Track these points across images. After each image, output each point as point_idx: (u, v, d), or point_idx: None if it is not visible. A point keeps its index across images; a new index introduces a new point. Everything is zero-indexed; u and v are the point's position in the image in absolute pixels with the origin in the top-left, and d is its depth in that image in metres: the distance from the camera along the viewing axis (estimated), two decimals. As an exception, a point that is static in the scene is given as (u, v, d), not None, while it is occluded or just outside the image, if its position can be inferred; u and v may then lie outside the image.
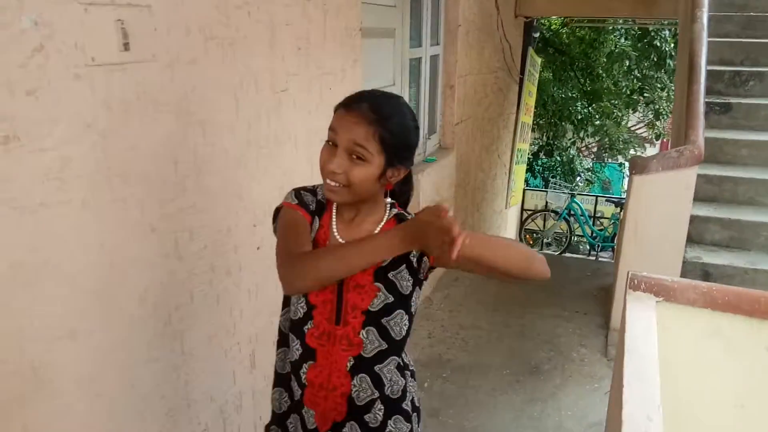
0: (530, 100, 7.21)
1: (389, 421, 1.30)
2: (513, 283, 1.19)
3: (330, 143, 1.19)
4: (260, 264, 1.92)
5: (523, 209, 9.40)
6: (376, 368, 1.26)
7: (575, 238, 9.09)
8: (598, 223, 9.17)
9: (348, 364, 1.25)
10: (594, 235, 8.42)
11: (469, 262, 1.18)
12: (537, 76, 7.44)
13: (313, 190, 1.31)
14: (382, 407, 1.29)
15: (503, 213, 7.13)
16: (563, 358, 3.32)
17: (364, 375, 1.26)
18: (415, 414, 1.38)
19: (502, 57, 5.52)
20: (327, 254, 1.19)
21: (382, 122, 1.15)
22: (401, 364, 1.32)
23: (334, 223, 1.28)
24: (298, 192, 1.30)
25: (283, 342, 1.35)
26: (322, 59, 2.19)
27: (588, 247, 9.01)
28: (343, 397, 1.26)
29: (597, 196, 9.83)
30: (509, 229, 7.95)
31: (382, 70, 3.13)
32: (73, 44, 1.19)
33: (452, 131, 4.32)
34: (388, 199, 1.31)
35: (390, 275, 1.25)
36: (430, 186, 3.74)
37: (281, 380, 1.36)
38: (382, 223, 1.28)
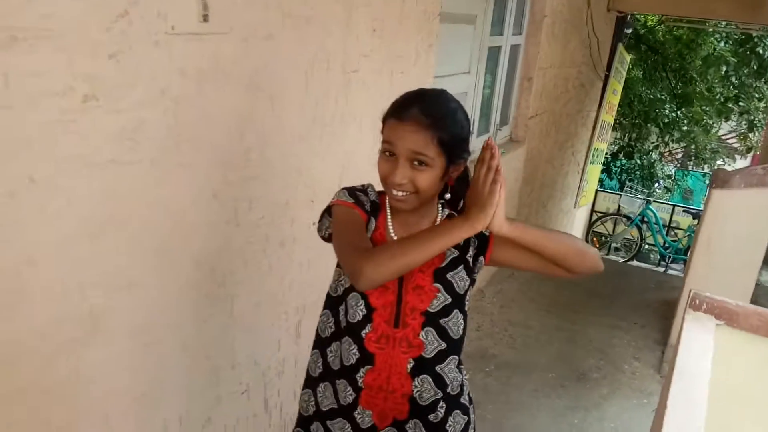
0: (614, 98, 6.91)
1: (449, 417, 1.32)
2: (568, 278, 1.18)
3: (387, 153, 1.18)
4: (314, 239, 1.93)
5: (593, 211, 9.11)
6: (438, 368, 1.27)
7: (646, 247, 8.74)
8: (672, 233, 8.75)
9: (408, 366, 1.25)
10: (666, 245, 8.05)
11: (523, 253, 1.21)
12: (624, 73, 7.11)
13: (364, 191, 1.30)
14: (444, 405, 1.30)
15: (571, 213, 6.92)
16: (613, 369, 3.22)
17: (425, 376, 1.26)
18: (471, 406, 1.40)
19: (588, 51, 5.31)
20: (401, 244, 1.16)
21: (437, 125, 1.15)
22: (460, 360, 1.34)
23: (389, 224, 1.28)
24: (352, 191, 1.28)
25: (317, 344, 1.36)
26: (396, 42, 2.18)
27: (658, 257, 8.63)
28: (404, 398, 1.26)
29: (674, 206, 9.38)
30: (576, 230, 7.72)
31: (458, 57, 3.08)
32: (156, 12, 1.24)
33: (525, 124, 4.22)
34: (442, 207, 1.32)
35: (448, 276, 1.26)
36: (496, 178, 3.68)
37: (311, 382, 1.37)
38: (437, 224, 1.29)
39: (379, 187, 1.30)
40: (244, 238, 1.67)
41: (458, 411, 1.34)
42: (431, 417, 1.29)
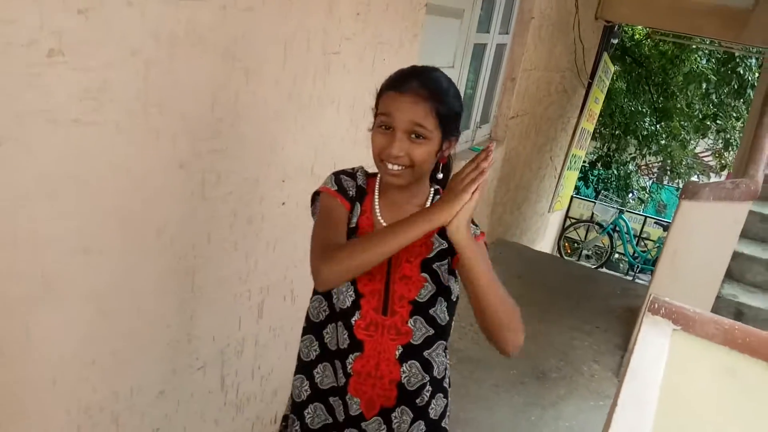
0: (595, 106, 6.99)
1: (432, 400, 1.33)
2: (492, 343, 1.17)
3: (383, 128, 1.18)
4: (282, 219, 1.95)
5: (567, 216, 9.22)
6: (425, 354, 1.27)
7: (616, 256, 8.88)
8: (642, 243, 8.91)
9: (397, 353, 1.25)
10: (635, 255, 8.19)
11: (463, 271, 1.16)
12: (607, 83, 7.20)
13: (353, 174, 1.30)
14: (430, 388, 1.31)
15: (545, 216, 7.00)
16: (572, 370, 3.27)
17: (413, 361, 1.26)
18: (450, 389, 1.41)
19: (573, 57, 5.36)
20: (361, 241, 1.15)
21: (436, 98, 1.16)
22: (446, 346, 1.35)
23: (377, 207, 1.28)
24: (338, 177, 1.28)
25: (310, 330, 1.35)
26: (380, 28, 2.17)
27: (627, 266, 8.78)
28: (392, 384, 1.27)
29: (646, 217, 9.55)
30: (549, 234, 7.81)
31: (442, 50, 3.08)
32: (131, -29, 1.22)
33: (506, 124, 4.25)
34: (433, 188, 1.32)
35: (434, 266, 1.26)
36: (472, 175, 3.69)
37: (304, 368, 1.36)
38: (426, 206, 1.28)
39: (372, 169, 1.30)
40: (209, 212, 1.65)
41: (440, 394, 1.35)
42: (417, 401, 1.30)
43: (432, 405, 1.32)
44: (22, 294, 1.20)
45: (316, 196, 1.32)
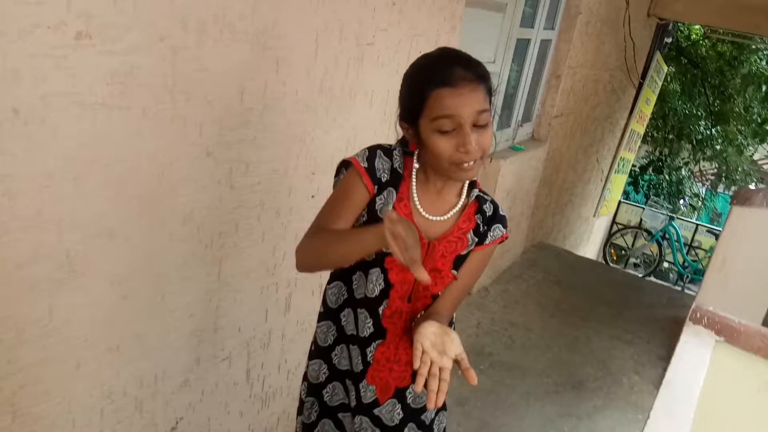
0: (646, 108, 6.74)
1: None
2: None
3: (443, 131, 1.08)
4: (312, 213, 1.88)
5: (614, 222, 8.93)
6: None
7: (665, 265, 8.55)
8: (693, 253, 8.54)
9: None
10: (685, 264, 7.87)
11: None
12: (660, 83, 6.93)
13: (390, 152, 1.20)
14: None
15: (590, 221, 6.79)
16: (611, 381, 3.14)
17: None
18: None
19: (623, 56, 5.17)
20: (325, 238, 1.12)
21: (481, 77, 1.10)
22: (452, 322, 1.34)
23: (415, 194, 1.21)
24: (372, 153, 1.19)
25: (327, 315, 1.33)
26: (416, 20, 2.13)
27: (677, 276, 8.45)
28: (408, 365, 1.28)
29: (698, 225, 9.15)
30: (594, 239, 7.59)
31: (483, 45, 3.01)
32: (160, -45, 1.21)
33: (549, 123, 4.13)
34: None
35: (465, 263, 1.25)
36: (512, 176, 3.61)
37: (321, 352, 1.36)
38: (462, 198, 1.24)
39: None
40: (237, 201, 1.64)
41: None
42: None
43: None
44: (45, 275, 1.21)
45: (342, 166, 1.24)
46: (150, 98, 1.29)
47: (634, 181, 11.02)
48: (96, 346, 1.38)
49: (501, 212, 1.26)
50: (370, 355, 1.26)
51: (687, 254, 8.14)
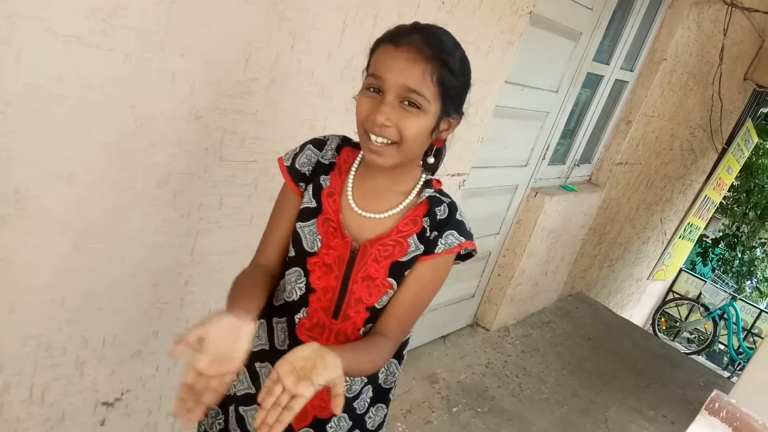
0: (727, 176, 6.26)
1: (372, 408, 1.19)
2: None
3: (371, 90, 0.95)
4: (311, 204, 1.80)
5: (671, 290, 8.37)
6: None
7: (720, 346, 7.93)
8: (751, 339, 7.88)
9: None
10: (740, 350, 7.25)
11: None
12: (747, 154, 6.43)
13: (321, 144, 1.09)
14: (372, 394, 1.17)
15: (642, 283, 6.36)
16: (619, 457, 2.85)
17: None
18: (391, 400, 1.25)
19: (709, 116, 4.82)
20: (236, 290, 1.04)
21: (441, 59, 0.93)
22: (402, 356, 1.20)
23: (349, 188, 1.06)
24: (302, 147, 1.10)
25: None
26: (467, 25, 1.97)
27: (728, 360, 7.81)
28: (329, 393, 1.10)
29: (762, 311, 8.45)
30: (645, 303, 7.11)
31: (546, 71, 2.81)
32: None
33: (610, 169, 3.86)
34: (425, 176, 1.10)
35: (405, 273, 1.05)
36: (556, 215, 3.37)
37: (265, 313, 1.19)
38: (410, 197, 1.06)
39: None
40: (225, 175, 1.53)
41: (382, 405, 1.21)
42: (355, 405, 1.15)
43: (370, 413, 1.18)
44: (-12, 207, 1.14)
45: None
46: (135, 43, 1.20)
47: (703, 252, 10.35)
48: (37, 294, 1.30)
49: (458, 216, 1.06)
50: None
51: (744, 340, 7.49)
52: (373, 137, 0.95)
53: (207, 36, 1.31)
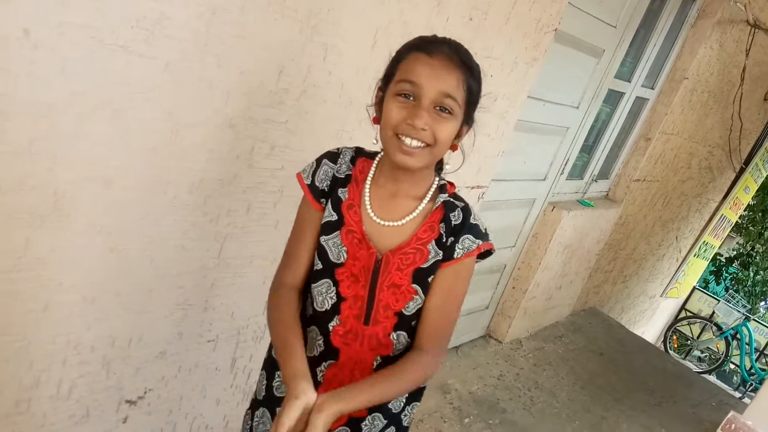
0: (744, 196, 6.21)
1: (407, 407, 1.22)
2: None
3: (403, 96, 0.99)
4: (335, 213, 1.82)
5: (684, 308, 8.31)
6: None
7: (732, 366, 7.84)
8: (764, 360, 7.79)
9: (375, 363, 1.13)
10: (752, 371, 7.16)
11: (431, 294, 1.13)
12: (765, 174, 6.38)
13: (336, 157, 1.12)
14: (406, 394, 1.21)
15: (656, 299, 6.33)
16: (630, 475, 2.83)
17: None
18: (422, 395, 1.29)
19: (728, 135, 4.80)
20: (273, 324, 1.08)
21: (469, 67, 1.01)
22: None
23: (367, 197, 1.09)
24: (318, 163, 1.12)
25: None
26: (492, 41, 2.00)
27: (740, 381, 7.72)
28: None
29: (776, 332, 8.35)
30: (657, 320, 7.06)
31: (568, 87, 2.83)
32: None
33: (628, 186, 3.86)
34: (438, 180, 1.14)
35: (429, 279, 1.09)
36: (573, 230, 3.38)
37: (271, 365, 1.26)
38: (425, 202, 1.10)
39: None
40: (254, 181, 1.57)
41: (416, 403, 1.25)
42: (391, 405, 1.19)
43: (405, 411, 1.22)
44: (28, 207, 1.17)
45: None
46: (177, 53, 1.24)
47: (717, 271, 10.26)
48: (70, 292, 1.34)
49: (473, 220, 1.09)
50: (320, 374, 1.13)
51: (756, 360, 7.41)
52: (408, 140, 0.99)
53: (243, 47, 1.34)
